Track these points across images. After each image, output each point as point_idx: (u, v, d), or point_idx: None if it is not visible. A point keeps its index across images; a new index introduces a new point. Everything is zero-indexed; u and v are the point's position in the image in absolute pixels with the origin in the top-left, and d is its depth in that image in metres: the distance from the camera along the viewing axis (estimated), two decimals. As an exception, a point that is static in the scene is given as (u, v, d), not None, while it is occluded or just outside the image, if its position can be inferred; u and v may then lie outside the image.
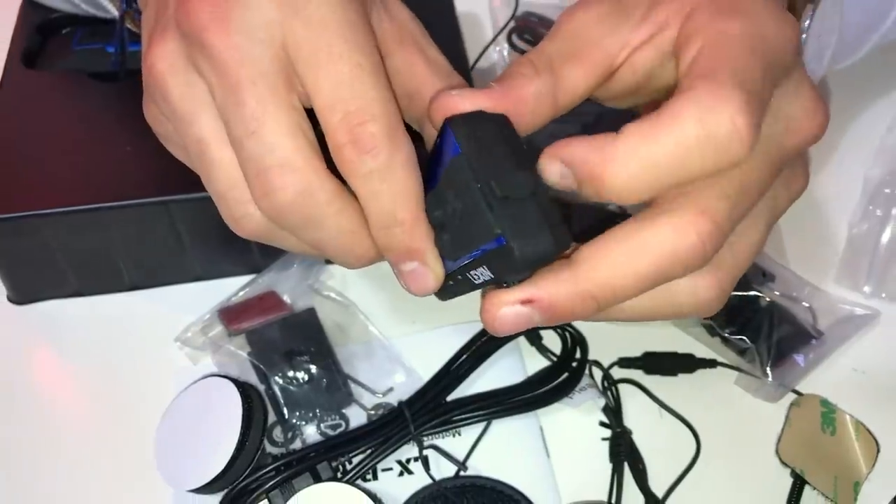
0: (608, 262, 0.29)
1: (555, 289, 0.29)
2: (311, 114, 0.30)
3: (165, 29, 0.31)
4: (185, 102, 0.31)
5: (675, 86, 0.31)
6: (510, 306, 0.29)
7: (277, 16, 0.29)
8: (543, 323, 0.29)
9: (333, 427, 0.43)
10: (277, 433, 0.43)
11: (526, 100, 0.30)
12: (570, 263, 0.29)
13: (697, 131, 0.27)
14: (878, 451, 0.41)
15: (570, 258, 0.29)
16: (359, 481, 0.41)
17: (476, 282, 0.30)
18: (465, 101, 0.30)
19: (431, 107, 0.30)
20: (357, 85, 0.29)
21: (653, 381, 0.45)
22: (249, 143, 0.29)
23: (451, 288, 0.32)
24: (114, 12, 0.45)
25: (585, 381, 0.44)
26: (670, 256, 0.28)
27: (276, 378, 0.43)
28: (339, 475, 0.41)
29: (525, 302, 0.29)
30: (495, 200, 0.27)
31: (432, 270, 0.31)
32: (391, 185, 0.29)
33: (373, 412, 0.44)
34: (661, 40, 0.31)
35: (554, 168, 0.29)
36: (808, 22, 0.36)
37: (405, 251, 0.30)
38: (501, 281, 0.29)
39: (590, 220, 0.48)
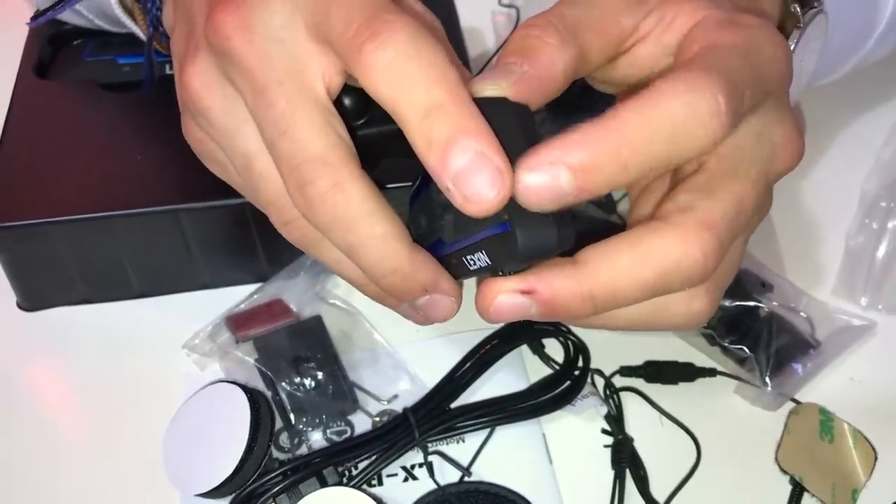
0: (613, 266, 0.29)
1: (557, 284, 0.29)
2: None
3: (197, 48, 0.31)
4: (226, 117, 0.32)
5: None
6: (509, 294, 0.29)
7: (292, 10, 0.30)
8: (538, 317, 0.30)
9: (339, 433, 0.44)
10: (284, 439, 0.43)
11: (556, 80, 0.30)
12: (574, 262, 0.29)
13: (684, 109, 0.27)
14: (876, 458, 0.42)
15: (574, 258, 0.29)
16: (364, 486, 0.42)
17: (471, 267, 0.30)
18: (489, 86, 0.29)
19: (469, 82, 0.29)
20: (368, 4, 0.29)
21: (654, 390, 0.45)
22: (282, 142, 0.30)
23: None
24: (129, 27, 0.46)
25: (587, 389, 0.45)
26: (674, 268, 0.29)
27: (283, 384, 0.44)
28: (344, 480, 0.41)
29: (525, 292, 0.29)
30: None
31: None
32: (422, 65, 0.27)
33: (378, 419, 0.44)
34: (666, 40, 0.32)
35: (544, 173, 0.26)
36: (793, 45, 0.37)
37: (456, 136, 0.27)
38: (497, 269, 0.29)
39: (589, 229, 0.49)
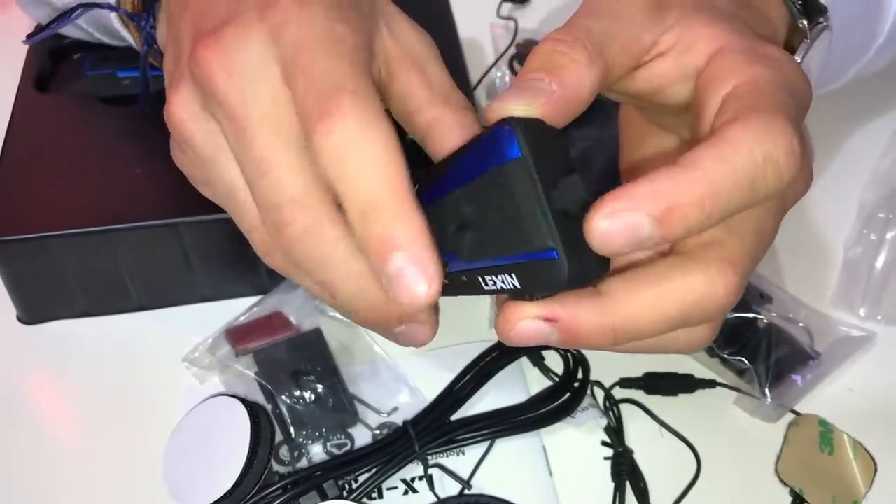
0: (637, 299, 0.29)
1: (581, 315, 0.29)
2: None
3: (181, 78, 0.32)
4: (209, 148, 0.32)
5: (695, 110, 0.32)
6: (532, 320, 0.29)
7: (269, 49, 0.30)
8: (557, 343, 0.30)
9: (339, 446, 0.44)
10: (284, 452, 0.43)
11: (584, 100, 0.30)
12: (598, 293, 0.29)
13: (763, 154, 0.27)
14: (876, 470, 0.42)
15: (598, 288, 0.29)
16: (364, 500, 0.42)
17: (486, 287, 0.29)
18: (520, 105, 0.29)
19: (490, 105, 0.29)
20: (333, 71, 0.29)
21: (653, 401, 0.46)
22: (261, 182, 0.30)
23: (445, 288, 0.31)
24: (129, 40, 0.46)
25: (587, 400, 0.45)
26: (697, 304, 0.29)
27: (283, 398, 0.44)
28: (344, 494, 0.41)
29: (548, 319, 0.29)
30: (555, 213, 0.27)
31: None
32: (364, 159, 0.28)
33: (378, 432, 0.44)
34: (686, 61, 0.32)
35: (626, 220, 0.26)
36: (800, 59, 0.37)
37: (387, 241, 0.27)
38: (526, 293, 0.29)
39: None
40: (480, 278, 0.29)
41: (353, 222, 0.28)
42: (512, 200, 0.27)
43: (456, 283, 0.31)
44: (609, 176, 0.52)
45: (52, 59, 0.54)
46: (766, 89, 0.29)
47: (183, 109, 0.32)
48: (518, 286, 0.28)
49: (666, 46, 0.32)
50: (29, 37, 0.47)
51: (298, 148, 0.30)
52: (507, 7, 0.68)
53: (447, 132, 0.33)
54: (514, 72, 0.62)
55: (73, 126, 0.51)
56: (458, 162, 0.30)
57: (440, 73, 0.35)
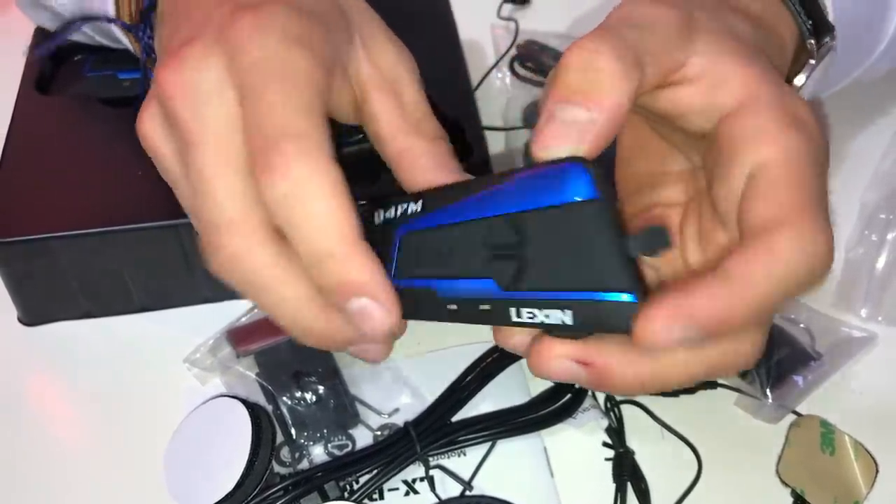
0: (670, 360, 0.29)
1: (616, 363, 0.29)
2: None
3: (152, 94, 0.32)
4: (172, 164, 0.32)
5: (719, 158, 0.31)
6: (567, 360, 0.29)
7: (225, 71, 0.30)
8: (584, 384, 0.30)
9: (340, 447, 0.44)
10: (285, 453, 0.43)
11: (622, 121, 0.29)
12: (633, 343, 0.29)
13: (808, 267, 0.28)
14: (877, 471, 0.42)
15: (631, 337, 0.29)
16: (366, 501, 0.42)
17: (515, 319, 0.29)
18: (564, 149, 0.28)
19: (536, 150, 0.29)
20: (280, 111, 0.29)
21: (655, 402, 0.45)
22: (200, 201, 0.30)
23: (454, 314, 0.30)
24: (130, 48, 0.46)
25: (588, 401, 0.45)
26: (725, 364, 0.30)
27: (284, 399, 0.44)
28: (346, 495, 0.41)
29: (582, 362, 0.29)
30: (628, 257, 0.27)
31: (383, 304, 0.29)
32: (312, 211, 0.28)
33: (379, 433, 0.44)
34: (714, 97, 0.31)
35: (676, 328, 0.27)
36: (805, 77, 0.37)
37: (345, 286, 0.29)
38: (581, 331, 0.28)
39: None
40: (514, 309, 0.29)
41: (308, 267, 0.29)
42: (582, 239, 0.27)
43: (470, 311, 0.30)
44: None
45: (52, 60, 0.54)
46: (801, 172, 0.29)
47: (149, 125, 0.32)
48: (570, 323, 0.28)
49: (694, 73, 0.31)
50: (34, 47, 0.48)
51: (245, 173, 0.29)
52: (507, 8, 0.68)
53: (418, 161, 0.33)
54: (514, 73, 0.62)
55: (74, 127, 0.51)
56: (502, 189, 0.29)
57: (415, 99, 0.35)
